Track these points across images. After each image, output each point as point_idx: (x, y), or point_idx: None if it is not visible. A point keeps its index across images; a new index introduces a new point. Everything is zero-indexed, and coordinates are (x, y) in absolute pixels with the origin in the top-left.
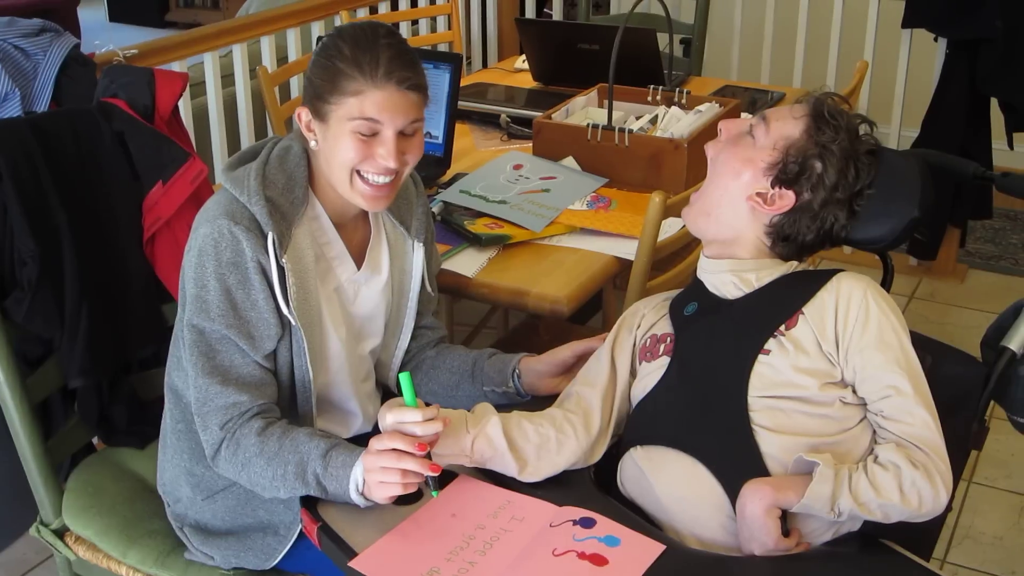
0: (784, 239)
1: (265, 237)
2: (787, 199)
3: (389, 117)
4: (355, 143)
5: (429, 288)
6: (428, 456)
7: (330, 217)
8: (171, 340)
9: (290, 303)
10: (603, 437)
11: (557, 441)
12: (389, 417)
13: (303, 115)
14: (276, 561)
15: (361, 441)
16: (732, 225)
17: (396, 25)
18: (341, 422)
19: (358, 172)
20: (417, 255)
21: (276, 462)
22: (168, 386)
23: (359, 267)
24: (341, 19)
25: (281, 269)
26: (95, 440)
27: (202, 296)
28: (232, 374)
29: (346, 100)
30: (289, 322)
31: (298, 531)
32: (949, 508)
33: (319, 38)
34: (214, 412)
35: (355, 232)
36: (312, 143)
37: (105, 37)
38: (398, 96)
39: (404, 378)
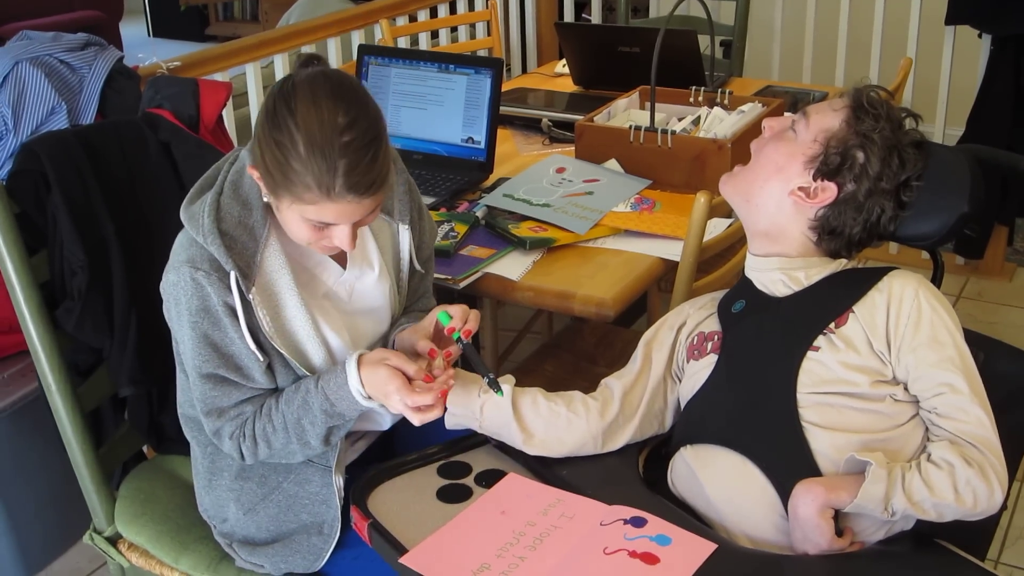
0: (830, 232)
1: (228, 275)
2: (830, 191)
3: (347, 220)
4: (308, 229)
5: (417, 265)
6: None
7: None
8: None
9: (264, 334)
10: (622, 428)
11: (567, 420)
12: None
13: (255, 173)
14: (324, 562)
15: (392, 437)
16: (774, 220)
17: (435, 33)
18: (368, 419)
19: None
20: (404, 238)
21: (290, 427)
22: (182, 416)
23: (344, 267)
24: (381, 28)
25: (248, 304)
26: (145, 448)
27: (186, 343)
28: (229, 402)
29: (300, 205)
30: (275, 349)
31: (339, 528)
32: (1004, 507)
33: (276, 87)
34: (224, 429)
35: None
36: (265, 198)
37: (147, 52)
38: (355, 205)
39: None
